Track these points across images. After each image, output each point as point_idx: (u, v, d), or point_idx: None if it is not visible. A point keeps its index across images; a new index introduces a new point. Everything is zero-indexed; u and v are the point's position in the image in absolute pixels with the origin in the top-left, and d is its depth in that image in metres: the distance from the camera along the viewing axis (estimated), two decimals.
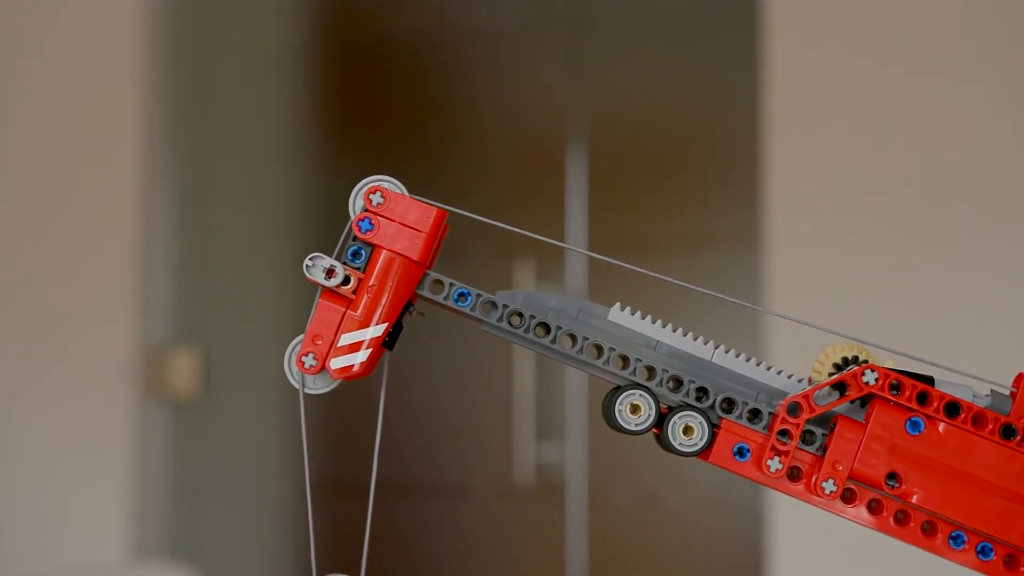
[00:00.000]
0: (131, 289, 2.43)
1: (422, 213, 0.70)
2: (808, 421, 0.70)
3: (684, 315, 1.89)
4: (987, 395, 0.71)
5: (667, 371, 0.70)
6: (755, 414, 0.70)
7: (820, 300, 2.09)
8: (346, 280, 0.69)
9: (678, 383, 0.70)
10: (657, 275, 0.75)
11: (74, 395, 2.43)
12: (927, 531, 0.70)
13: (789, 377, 0.72)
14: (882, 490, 0.70)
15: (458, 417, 2.39)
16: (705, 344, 0.71)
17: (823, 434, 0.70)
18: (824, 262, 2.12)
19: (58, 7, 2.51)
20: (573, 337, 0.70)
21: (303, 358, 0.70)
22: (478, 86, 2.44)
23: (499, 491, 2.34)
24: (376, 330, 0.70)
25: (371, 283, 0.69)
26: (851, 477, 0.69)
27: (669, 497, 2.27)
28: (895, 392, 0.69)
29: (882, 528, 0.70)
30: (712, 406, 0.70)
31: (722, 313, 2.17)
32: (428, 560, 2.39)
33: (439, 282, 0.71)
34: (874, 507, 0.70)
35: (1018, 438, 0.70)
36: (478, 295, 0.71)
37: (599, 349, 0.70)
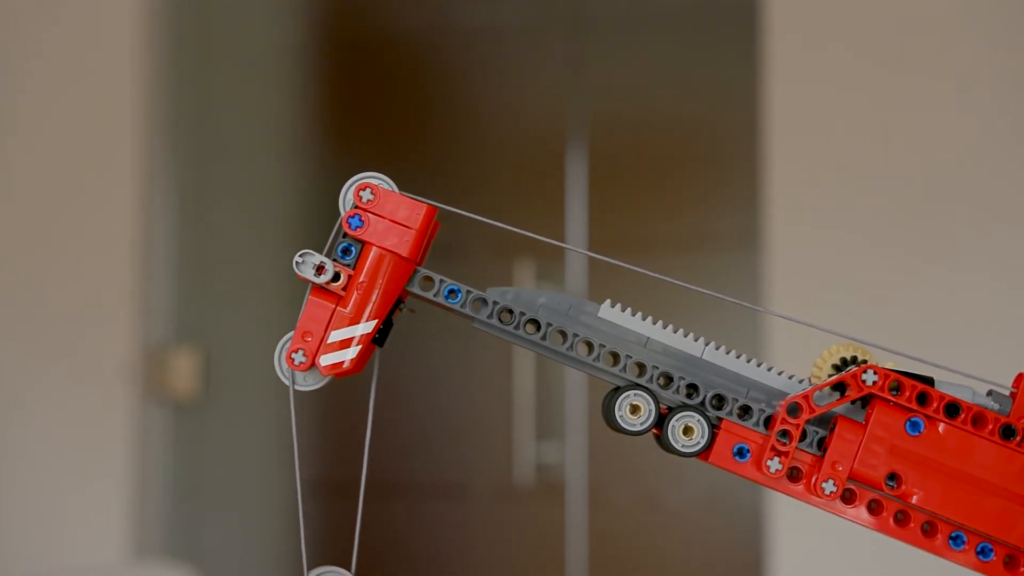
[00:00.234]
0: (131, 289, 2.43)
1: (412, 210, 0.70)
2: (808, 422, 0.70)
3: (684, 315, 1.89)
4: (987, 395, 0.71)
5: (657, 368, 0.70)
6: (745, 410, 0.70)
7: (820, 300, 2.09)
8: (336, 277, 0.69)
9: (668, 380, 0.70)
10: (657, 275, 0.75)
11: (74, 395, 2.43)
12: (927, 531, 0.70)
13: (790, 378, 0.72)
14: (882, 490, 0.70)
15: (458, 417, 2.39)
16: (695, 341, 0.71)
17: (823, 435, 0.70)
18: (824, 262, 2.12)
19: (58, 7, 2.51)
20: (563, 334, 0.70)
21: (293, 355, 0.70)
22: (478, 86, 2.44)
23: (499, 491, 2.34)
24: (366, 327, 0.70)
25: (361, 280, 0.69)
26: (851, 477, 0.69)
27: (669, 497, 2.27)
28: (895, 392, 0.69)
29: (882, 529, 0.70)
30: (703, 403, 0.70)
31: (722, 313, 2.18)
32: (428, 560, 2.39)
33: (429, 279, 0.71)
34: (874, 508, 0.70)
35: (1018, 438, 0.70)
36: (468, 292, 0.71)
37: (589, 346, 0.70)
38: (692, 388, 0.70)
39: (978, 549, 0.70)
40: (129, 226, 2.44)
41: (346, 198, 0.70)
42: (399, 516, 2.37)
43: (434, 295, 0.71)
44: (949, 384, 0.70)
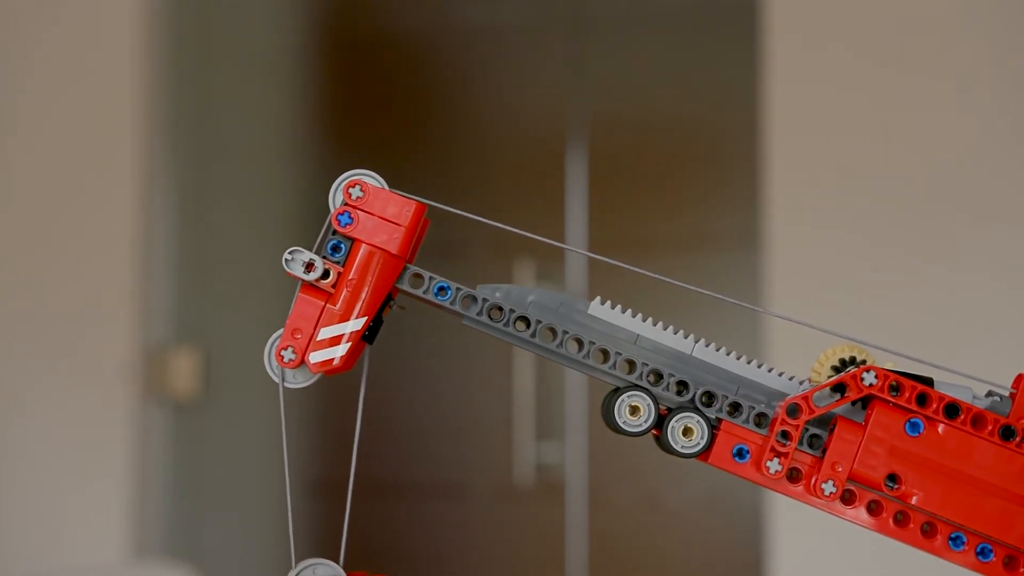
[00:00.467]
0: (131, 289, 2.43)
1: (401, 207, 0.70)
2: (807, 422, 0.70)
3: (684, 315, 1.89)
4: (986, 396, 0.71)
5: (647, 365, 0.70)
6: (735, 407, 0.70)
7: (820, 300, 2.09)
8: (325, 274, 0.69)
9: (658, 377, 0.70)
10: (657, 275, 0.75)
11: (74, 395, 2.43)
12: (927, 532, 0.70)
13: (791, 379, 0.71)
14: (881, 491, 0.70)
15: (458, 417, 2.39)
16: (685, 338, 0.71)
17: (822, 435, 0.70)
18: (824, 262, 2.12)
19: (58, 7, 2.51)
20: (553, 331, 0.70)
21: (282, 352, 0.70)
22: (478, 86, 2.44)
23: (499, 491, 2.34)
24: (356, 324, 0.70)
25: (350, 277, 0.69)
26: (850, 478, 0.69)
27: (669, 497, 2.27)
28: (894, 393, 0.69)
29: (882, 529, 0.70)
30: (693, 399, 0.70)
31: (722, 313, 2.17)
32: (428, 560, 2.39)
33: (419, 276, 0.71)
34: (874, 508, 0.70)
35: (1017, 439, 0.70)
36: (458, 289, 0.71)
37: (579, 343, 0.70)
38: (682, 385, 0.70)
39: (978, 550, 0.70)
40: (129, 226, 2.44)
41: (336, 195, 0.70)
42: (399, 516, 2.37)
43: (424, 292, 0.71)
44: (949, 385, 0.70)
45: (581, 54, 2.35)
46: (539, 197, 2.35)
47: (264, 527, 2.45)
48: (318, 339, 0.69)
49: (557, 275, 2.31)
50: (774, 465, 0.69)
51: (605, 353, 0.70)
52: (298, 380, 0.71)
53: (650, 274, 0.74)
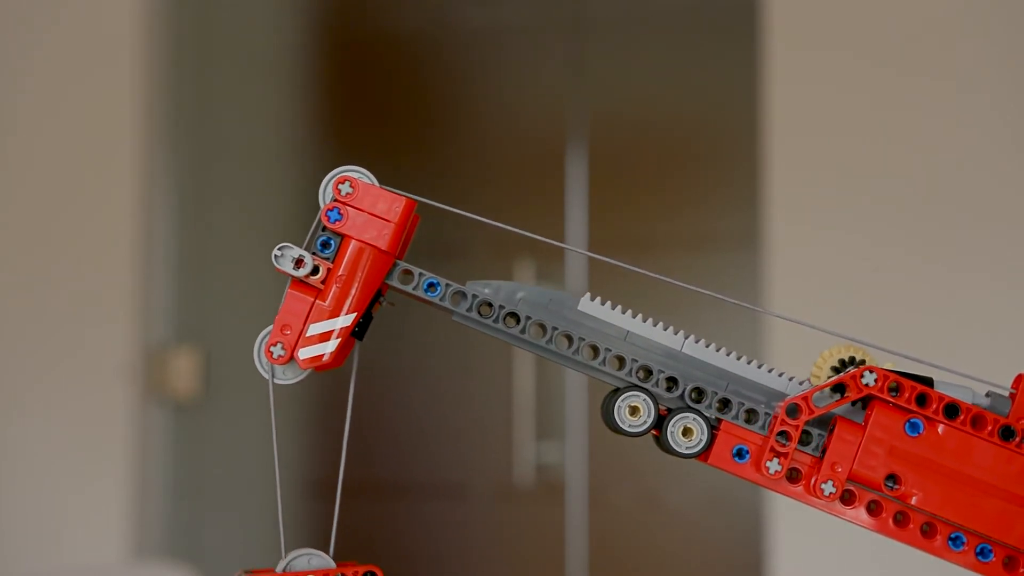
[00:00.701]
0: (131, 289, 2.43)
1: (391, 203, 0.70)
2: (807, 423, 0.70)
3: (684, 315, 1.89)
4: (986, 396, 0.71)
5: (636, 361, 0.70)
6: (725, 403, 0.70)
7: (820, 300, 2.09)
8: (315, 270, 0.69)
9: (648, 373, 0.70)
10: (657, 275, 0.75)
11: (74, 395, 2.43)
12: (926, 532, 0.70)
13: (791, 380, 0.71)
14: (881, 491, 0.70)
15: (458, 417, 2.39)
16: (675, 335, 0.71)
17: (822, 436, 0.70)
18: (824, 262, 2.12)
19: (58, 7, 2.50)
20: (543, 327, 0.70)
21: (272, 348, 0.70)
22: (478, 86, 2.44)
23: (499, 491, 2.34)
24: (345, 320, 0.70)
25: (340, 273, 0.69)
26: (850, 479, 0.69)
27: (669, 497, 2.27)
28: (894, 394, 0.69)
29: (881, 529, 0.70)
30: (683, 396, 0.70)
31: (722, 313, 2.17)
32: (428, 560, 2.39)
33: (408, 272, 0.71)
34: (873, 508, 0.70)
35: (1017, 439, 0.70)
36: (447, 285, 0.70)
37: (569, 339, 0.70)
38: (671, 381, 0.70)
39: (977, 550, 0.70)
40: (129, 226, 2.44)
41: (325, 191, 0.70)
42: (399, 516, 2.37)
43: (413, 288, 0.71)
44: (948, 385, 0.70)
45: (581, 54, 2.35)
46: (539, 197, 2.35)
47: (264, 527, 2.45)
48: (307, 335, 0.70)
49: (557, 275, 2.31)
50: (774, 465, 0.69)
51: (595, 349, 0.70)
52: (288, 376, 0.71)
53: (650, 274, 0.74)
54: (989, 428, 0.70)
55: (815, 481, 0.69)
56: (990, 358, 1.78)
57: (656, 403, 0.70)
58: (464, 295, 0.70)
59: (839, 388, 0.70)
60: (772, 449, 0.69)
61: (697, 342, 0.71)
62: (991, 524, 0.69)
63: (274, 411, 0.72)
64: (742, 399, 0.70)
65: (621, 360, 0.70)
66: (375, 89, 2.49)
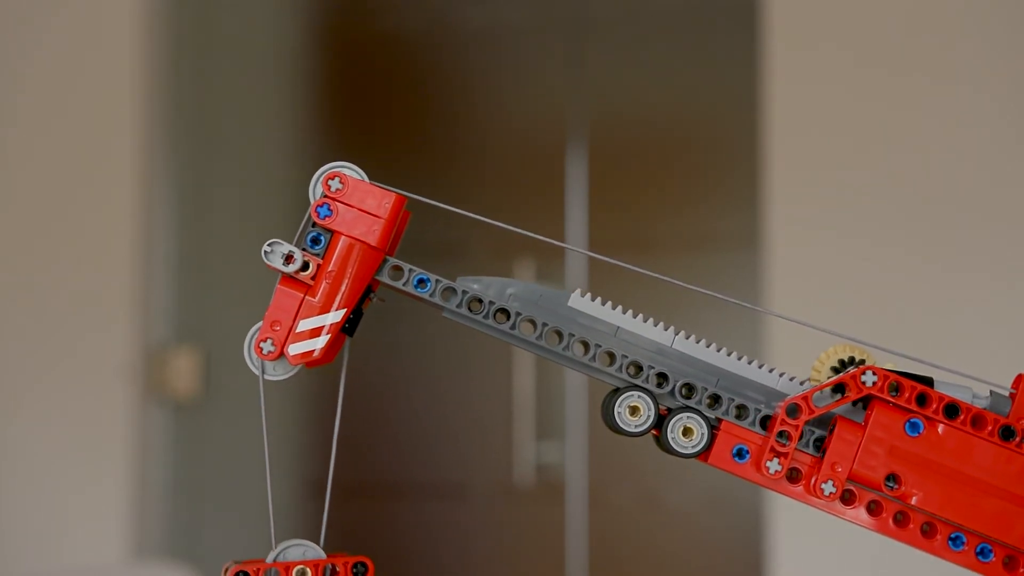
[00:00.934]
0: (131, 289, 2.43)
1: (380, 199, 0.70)
2: (807, 422, 0.70)
3: (684, 315, 1.89)
4: (986, 396, 0.71)
5: (626, 356, 0.70)
6: (715, 400, 0.70)
7: (820, 300, 2.09)
8: (305, 266, 0.69)
9: (638, 368, 0.70)
10: (657, 275, 0.75)
11: (74, 395, 2.43)
12: (926, 532, 0.70)
13: (791, 380, 0.71)
14: (881, 491, 0.70)
15: (458, 417, 2.39)
16: (665, 330, 0.71)
17: (822, 435, 0.70)
18: (824, 262, 2.12)
19: (58, 7, 2.50)
20: (533, 323, 0.70)
21: (261, 344, 0.70)
22: (478, 86, 2.44)
23: (499, 491, 2.34)
24: (335, 315, 0.69)
25: (330, 269, 0.69)
26: (850, 478, 0.69)
27: (669, 497, 2.27)
28: (894, 393, 0.69)
29: (881, 529, 0.70)
30: (672, 392, 0.70)
31: (722, 313, 2.17)
32: (428, 560, 2.39)
33: (398, 268, 0.71)
34: (873, 508, 0.70)
35: (1017, 439, 0.69)
36: (437, 281, 0.70)
37: (559, 335, 0.70)
38: (662, 377, 0.70)
39: (977, 550, 0.70)
40: (129, 226, 2.44)
41: (315, 187, 0.70)
42: (399, 516, 2.37)
43: (403, 284, 0.71)
44: (948, 385, 0.70)
45: (581, 54, 2.35)
46: (539, 197, 2.35)
47: (264, 527, 2.44)
48: (297, 331, 0.70)
49: (557, 275, 2.31)
50: (774, 465, 0.69)
51: (585, 345, 0.70)
52: (278, 372, 0.71)
53: (650, 274, 0.74)
54: (989, 428, 0.70)
55: (815, 481, 0.69)
56: (990, 358, 1.78)
57: (656, 403, 0.70)
58: (454, 291, 0.70)
59: (839, 388, 0.70)
60: (772, 449, 0.69)
61: (687, 338, 0.71)
62: (991, 524, 0.69)
63: (266, 408, 0.71)
64: (732, 395, 0.70)
65: (611, 356, 0.70)
66: (375, 89, 2.49)
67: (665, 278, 0.75)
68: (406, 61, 2.48)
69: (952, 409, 0.69)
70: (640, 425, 0.70)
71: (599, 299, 0.71)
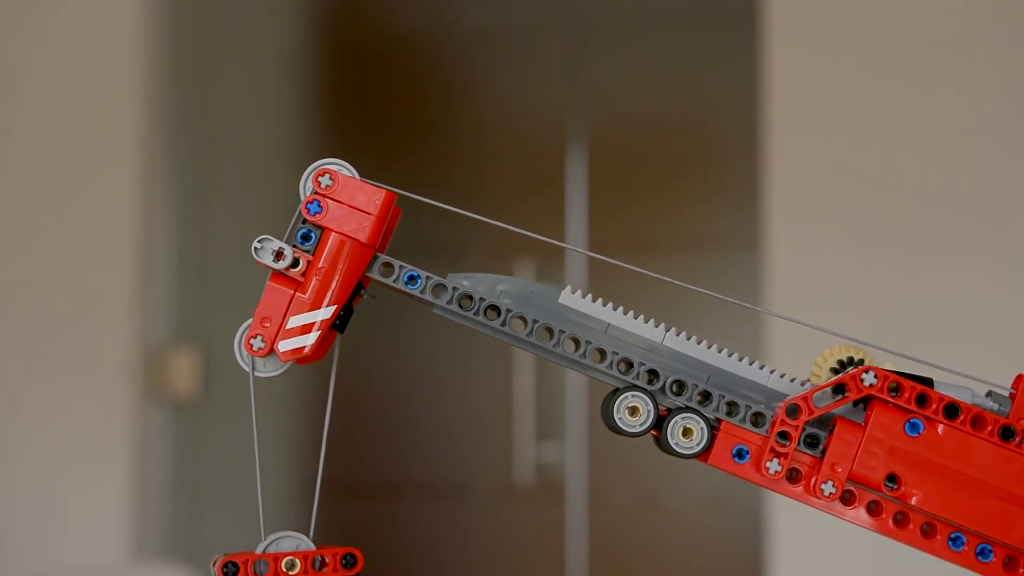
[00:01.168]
0: (131, 289, 2.43)
1: (370, 196, 0.70)
2: (807, 423, 0.70)
3: (684, 315, 1.89)
4: (986, 396, 0.71)
5: (617, 353, 0.70)
6: (706, 396, 0.70)
7: (820, 300, 2.09)
8: (295, 263, 0.69)
9: (628, 365, 0.70)
10: (657, 275, 0.75)
11: (74, 395, 2.43)
12: (926, 533, 0.70)
13: (792, 380, 0.71)
14: (881, 492, 0.70)
15: (458, 417, 2.39)
16: (656, 327, 0.71)
17: (822, 436, 0.70)
18: (824, 263, 2.12)
19: (58, 7, 2.51)
20: (524, 320, 0.70)
21: (251, 340, 0.70)
22: (478, 86, 2.44)
23: (499, 491, 2.34)
24: (326, 312, 0.69)
25: (320, 265, 0.69)
26: (850, 479, 0.69)
27: (669, 497, 2.27)
28: (894, 394, 0.69)
29: (881, 530, 0.70)
30: (664, 389, 0.70)
31: (722, 313, 2.17)
32: (428, 560, 2.39)
33: (389, 264, 0.71)
34: (873, 509, 0.70)
35: (1017, 439, 0.69)
36: (428, 277, 0.70)
37: (550, 331, 0.70)
38: (652, 374, 0.70)
39: (977, 550, 0.70)
40: (129, 226, 2.44)
41: (305, 184, 0.70)
42: (399, 516, 2.37)
43: (394, 281, 0.71)
44: (948, 385, 0.70)
45: (581, 54, 2.35)
46: (539, 197, 2.35)
47: (264, 527, 2.45)
48: (287, 328, 0.70)
49: (557, 275, 2.31)
50: (774, 466, 0.69)
51: (576, 342, 0.70)
52: (268, 369, 0.72)
53: (650, 274, 0.74)
54: (989, 428, 0.69)
55: (815, 481, 0.69)
56: (990, 358, 1.78)
57: (656, 403, 0.70)
58: (444, 287, 0.70)
59: (839, 388, 0.70)
60: (772, 449, 0.69)
61: (678, 335, 0.71)
62: (991, 524, 0.69)
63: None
64: (723, 392, 0.70)
65: (602, 352, 0.70)
66: (375, 89, 2.50)
67: (665, 278, 0.75)
68: (406, 61, 2.48)
69: (952, 409, 0.69)
70: (640, 426, 0.70)
71: (590, 296, 0.71)
